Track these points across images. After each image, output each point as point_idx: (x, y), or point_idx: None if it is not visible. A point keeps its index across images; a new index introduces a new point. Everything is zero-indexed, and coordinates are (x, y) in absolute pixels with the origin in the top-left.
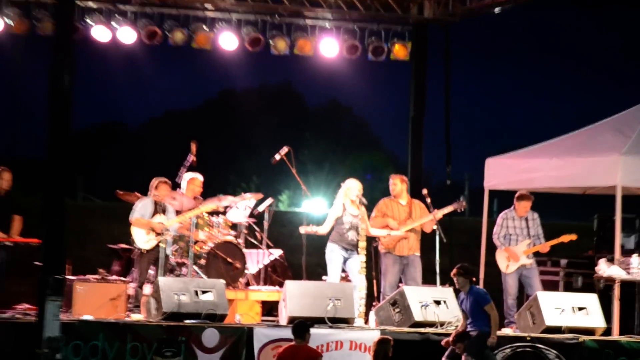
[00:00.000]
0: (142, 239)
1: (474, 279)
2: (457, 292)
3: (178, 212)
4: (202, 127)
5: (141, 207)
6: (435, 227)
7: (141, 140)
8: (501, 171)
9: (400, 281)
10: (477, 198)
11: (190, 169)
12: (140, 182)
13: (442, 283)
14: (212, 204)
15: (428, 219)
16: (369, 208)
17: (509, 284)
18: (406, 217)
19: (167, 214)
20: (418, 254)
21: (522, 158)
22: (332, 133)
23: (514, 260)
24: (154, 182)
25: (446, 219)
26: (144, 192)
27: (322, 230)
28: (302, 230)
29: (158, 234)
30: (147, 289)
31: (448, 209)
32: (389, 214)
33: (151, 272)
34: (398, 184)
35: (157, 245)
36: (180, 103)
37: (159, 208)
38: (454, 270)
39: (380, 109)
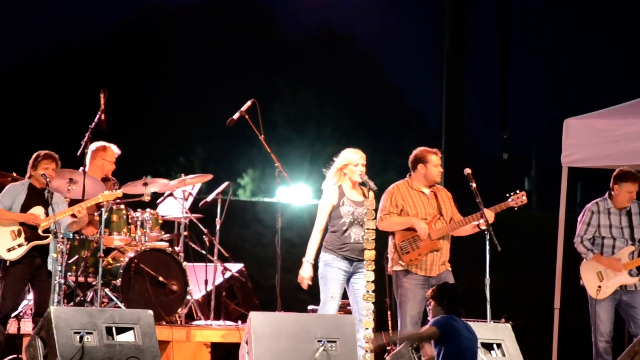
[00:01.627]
0: (5, 244)
1: (461, 310)
2: (515, 330)
3: (76, 202)
4: (116, 68)
5: (6, 194)
6: (484, 227)
7: (19, 87)
8: (588, 138)
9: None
10: (549, 181)
11: (98, 133)
12: (19, 156)
13: (496, 316)
14: (115, 192)
15: (474, 222)
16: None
17: (600, 316)
18: (434, 215)
19: (54, 206)
20: (450, 268)
21: (620, 117)
22: (322, 78)
23: (609, 278)
24: (34, 157)
25: (501, 216)
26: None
27: (315, 238)
28: (305, 280)
29: (33, 237)
30: (29, 324)
31: (500, 208)
32: (408, 209)
33: (29, 297)
34: (440, 165)
35: (33, 255)
36: (80, 28)
37: (36, 196)
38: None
39: (400, 41)
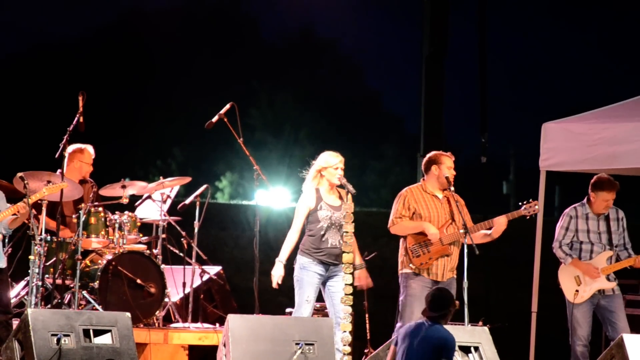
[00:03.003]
0: None
1: (434, 314)
2: (492, 333)
3: (54, 205)
4: (93, 71)
5: None
6: (462, 231)
7: None
8: (566, 143)
9: None
10: (527, 185)
11: (76, 136)
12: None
13: (474, 319)
14: (60, 184)
15: (482, 231)
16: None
17: (578, 320)
18: (447, 220)
19: None
20: (456, 275)
21: (599, 122)
22: (301, 82)
23: (587, 282)
24: None
25: (478, 219)
26: (6, 175)
27: (291, 239)
28: (274, 278)
29: None
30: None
31: (512, 216)
32: (421, 212)
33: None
34: (453, 168)
35: None
36: (58, 31)
37: None
38: None
39: (380, 45)
